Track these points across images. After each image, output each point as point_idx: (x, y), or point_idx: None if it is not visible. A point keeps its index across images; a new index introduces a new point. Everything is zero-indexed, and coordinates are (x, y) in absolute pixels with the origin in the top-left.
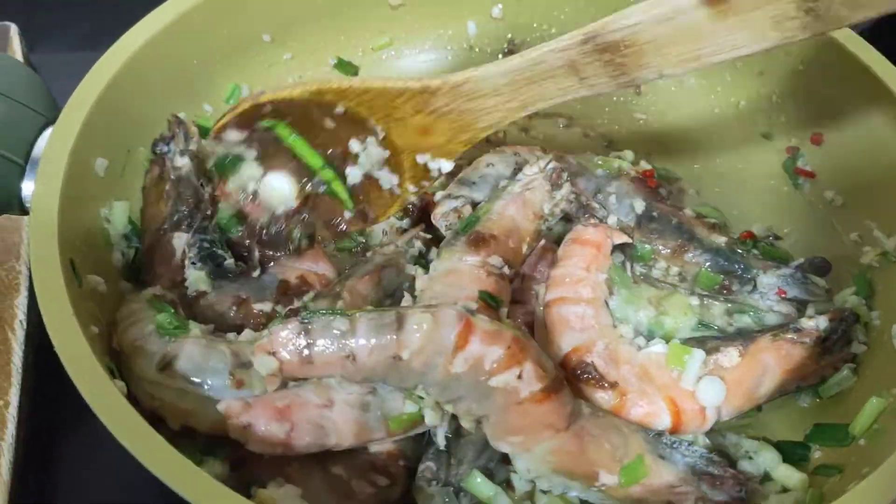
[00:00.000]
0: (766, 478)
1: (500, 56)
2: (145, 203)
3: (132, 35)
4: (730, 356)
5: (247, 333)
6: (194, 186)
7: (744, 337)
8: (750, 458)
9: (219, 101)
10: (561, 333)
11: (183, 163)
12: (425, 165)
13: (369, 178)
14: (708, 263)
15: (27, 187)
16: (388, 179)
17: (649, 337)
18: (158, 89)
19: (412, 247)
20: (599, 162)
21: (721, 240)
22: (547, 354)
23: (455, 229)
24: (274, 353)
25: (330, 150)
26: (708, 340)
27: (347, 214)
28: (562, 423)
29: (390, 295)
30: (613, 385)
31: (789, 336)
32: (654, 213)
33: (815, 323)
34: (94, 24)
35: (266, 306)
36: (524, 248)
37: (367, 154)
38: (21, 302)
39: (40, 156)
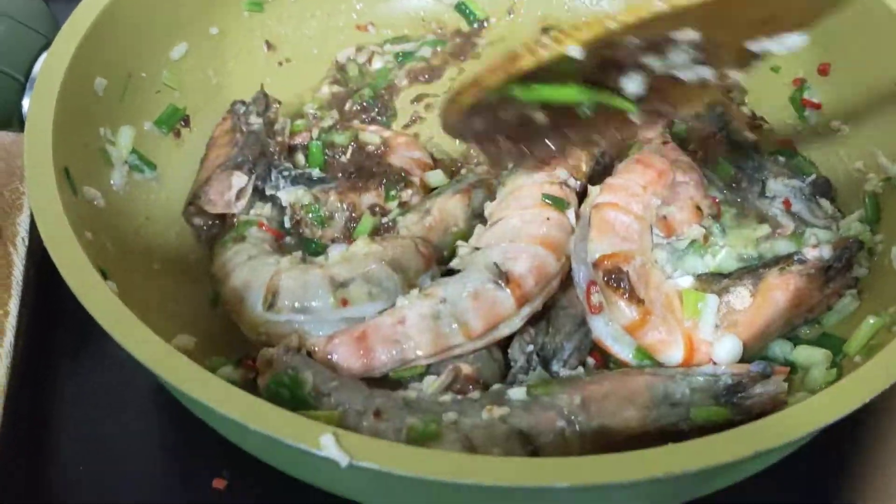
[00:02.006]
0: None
1: None
2: (210, 148)
3: None
4: (741, 297)
5: (334, 253)
6: (263, 142)
7: (750, 273)
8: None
9: (228, 23)
10: (603, 234)
11: (256, 121)
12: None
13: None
14: (727, 156)
15: (27, 104)
16: (696, 73)
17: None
18: (160, 13)
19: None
20: None
21: (751, 136)
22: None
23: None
24: None
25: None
26: (717, 280)
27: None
28: None
29: (479, 215)
30: (640, 302)
31: (795, 268)
32: (706, 100)
33: (819, 252)
34: None
35: (371, 197)
36: (584, 167)
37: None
38: (23, 220)
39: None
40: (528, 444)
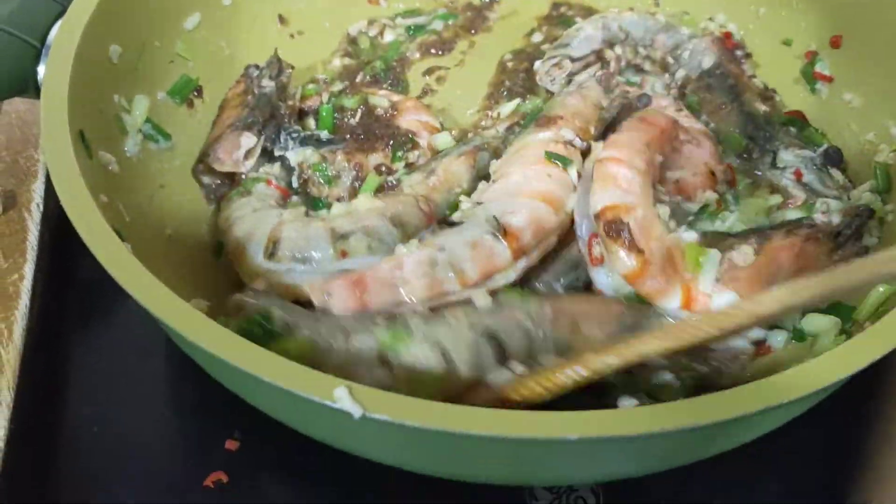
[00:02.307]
0: (798, 336)
1: None
2: (222, 109)
3: None
4: (744, 254)
5: (337, 207)
6: (273, 105)
7: (757, 233)
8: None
9: None
10: (605, 187)
11: (268, 84)
12: None
13: None
14: (739, 126)
15: (42, 70)
16: None
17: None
18: None
19: (512, 133)
20: (688, 18)
21: (763, 108)
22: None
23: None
24: None
25: None
26: (722, 238)
27: None
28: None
29: (484, 177)
30: (640, 252)
31: (803, 231)
32: (718, 71)
33: (829, 217)
34: None
35: (378, 158)
36: (591, 130)
37: None
38: (38, 187)
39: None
40: (498, 346)
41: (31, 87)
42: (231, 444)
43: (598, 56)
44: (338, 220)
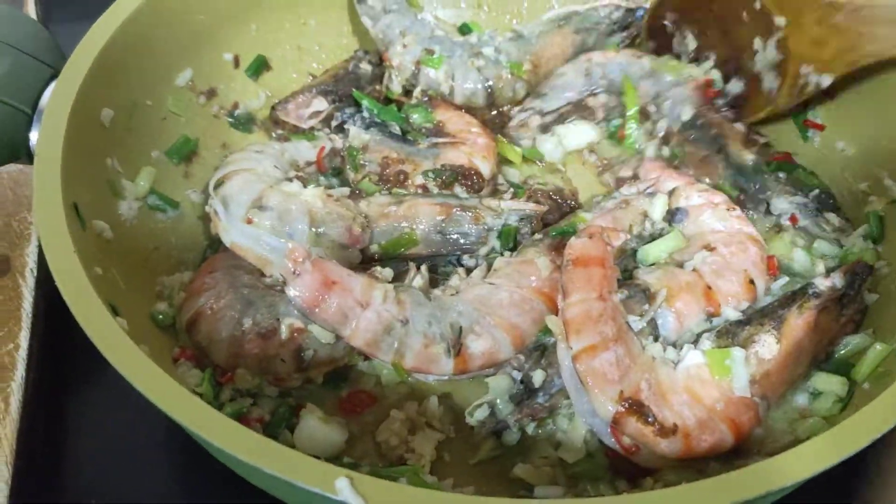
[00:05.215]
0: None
1: None
2: (322, 74)
3: None
4: (768, 345)
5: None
6: (360, 85)
7: (770, 317)
8: None
9: (242, 47)
10: (603, 389)
11: (364, 67)
12: (806, 78)
13: (753, 77)
14: (729, 178)
15: (34, 136)
16: (770, 81)
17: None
18: (163, 44)
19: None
20: (673, 64)
21: (750, 158)
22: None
23: (547, 231)
24: None
25: (735, 45)
26: (735, 330)
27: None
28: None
29: (443, 234)
30: (675, 430)
31: (813, 303)
32: (699, 122)
33: (832, 282)
34: None
35: (408, 167)
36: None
37: (766, 54)
38: (31, 251)
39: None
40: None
41: (23, 153)
42: None
43: (578, 106)
44: (283, 196)
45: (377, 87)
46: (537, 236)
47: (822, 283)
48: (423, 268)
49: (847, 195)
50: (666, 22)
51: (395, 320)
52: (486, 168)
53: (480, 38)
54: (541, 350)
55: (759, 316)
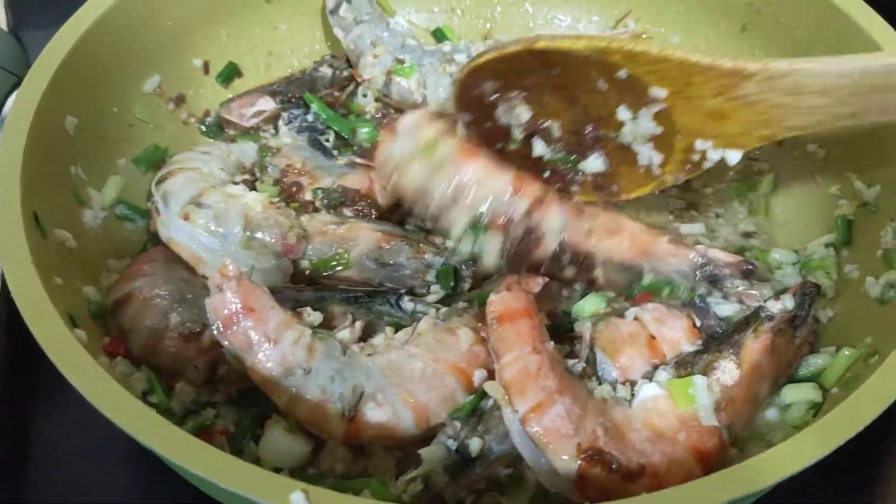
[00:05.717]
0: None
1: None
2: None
3: None
4: (729, 371)
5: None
6: (314, 88)
7: (728, 343)
8: None
9: (212, 53)
10: (559, 446)
11: (324, 71)
12: (703, 153)
13: (624, 149)
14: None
15: None
16: (648, 156)
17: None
18: (130, 50)
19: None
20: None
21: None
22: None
23: (470, 297)
24: None
25: (591, 114)
26: (693, 360)
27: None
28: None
29: (378, 262)
30: (642, 470)
31: (767, 326)
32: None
33: (783, 304)
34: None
35: (305, 181)
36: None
37: (636, 126)
38: None
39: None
40: None
41: None
42: None
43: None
44: (223, 197)
45: (335, 93)
46: (462, 304)
47: (774, 306)
48: (359, 325)
49: (819, 199)
50: (485, 90)
51: (298, 367)
52: (384, 199)
53: (455, 46)
54: (478, 416)
55: (717, 343)
